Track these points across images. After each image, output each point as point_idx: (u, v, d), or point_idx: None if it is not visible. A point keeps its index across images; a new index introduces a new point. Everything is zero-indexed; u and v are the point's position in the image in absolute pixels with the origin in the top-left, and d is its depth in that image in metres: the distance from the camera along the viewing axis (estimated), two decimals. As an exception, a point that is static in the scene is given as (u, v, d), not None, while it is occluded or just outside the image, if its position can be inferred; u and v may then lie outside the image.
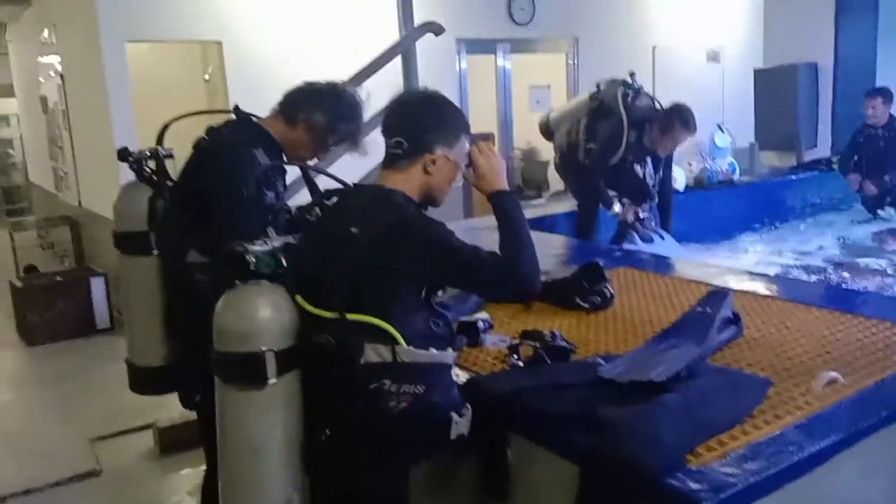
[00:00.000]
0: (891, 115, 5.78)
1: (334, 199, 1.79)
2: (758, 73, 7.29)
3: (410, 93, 1.89)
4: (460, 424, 1.69)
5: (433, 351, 1.65)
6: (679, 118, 4.08)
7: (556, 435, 1.71)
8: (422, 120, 1.81)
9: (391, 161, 1.81)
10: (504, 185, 1.83)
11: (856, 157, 5.94)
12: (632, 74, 4.30)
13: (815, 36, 6.94)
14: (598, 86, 4.41)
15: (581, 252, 3.74)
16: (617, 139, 4.18)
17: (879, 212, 5.91)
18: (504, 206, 1.80)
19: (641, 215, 4.30)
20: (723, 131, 6.09)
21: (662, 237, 4.39)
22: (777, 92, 6.97)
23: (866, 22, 7.02)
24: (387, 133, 1.82)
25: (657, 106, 4.28)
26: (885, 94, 5.84)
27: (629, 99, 4.20)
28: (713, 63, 8.32)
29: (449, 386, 1.72)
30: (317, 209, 1.80)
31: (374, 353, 1.60)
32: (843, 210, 6.20)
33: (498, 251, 1.72)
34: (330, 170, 1.98)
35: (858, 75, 6.89)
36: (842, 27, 6.85)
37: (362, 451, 1.64)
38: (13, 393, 4.85)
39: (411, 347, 1.61)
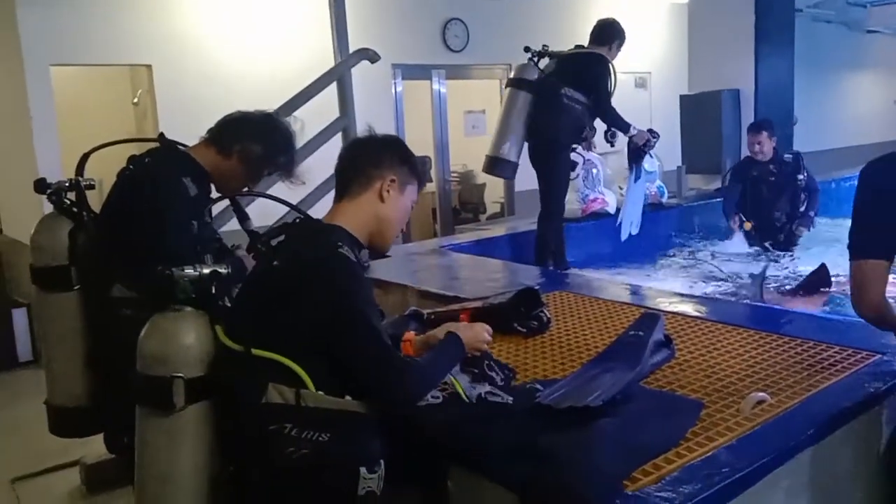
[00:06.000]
0: (775, 149, 5.44)
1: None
2: (683, 99, 7.53)
3: (366, 134, 1.91)
4: (370, 481, 1.56)
5: (347, 398, 1.56)
6: (619, 27, 4.67)
7: (495, 464, 1.70)
8: (376, 147, 1.83)
9: (343, 190, 1.78)
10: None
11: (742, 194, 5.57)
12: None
13: (736, 64, 7.20)
14: (508, 80, 4.79)
15: (519, 276, 3.77)
16: (605, 66, 4.56)
17: (767, 245, 5.50)
18: (455, 343, 1.88)
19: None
20: (651, 156, 6.25)
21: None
22: (702, 117, 7.21)
23: (783, 51, 7.34)
24: (339, 163, 1.82)
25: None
26: (768, 127, 5.50)
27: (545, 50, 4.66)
28: (641, 89, 8.58)
29: (360, 438, 1.58)
30: (268, 241, 1.73)
31: (276, 394, 1.52)
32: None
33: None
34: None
35: (777, 102, 7.18)
36: (761, 56, 7.13)
37: (264, 493, 1.55)
38: (-74, 432, 4.58)
39: (320, 392, 1.52)
